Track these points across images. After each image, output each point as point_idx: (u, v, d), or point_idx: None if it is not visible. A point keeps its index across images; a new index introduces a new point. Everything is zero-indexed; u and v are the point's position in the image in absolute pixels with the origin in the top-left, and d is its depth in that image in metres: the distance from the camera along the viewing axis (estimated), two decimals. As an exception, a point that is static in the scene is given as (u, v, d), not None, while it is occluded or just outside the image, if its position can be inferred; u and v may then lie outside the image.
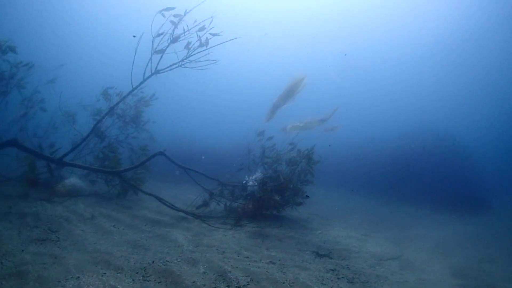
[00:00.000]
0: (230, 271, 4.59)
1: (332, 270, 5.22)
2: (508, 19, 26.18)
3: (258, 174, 9.15)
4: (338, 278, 4.92)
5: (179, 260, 4.87)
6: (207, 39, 7.76)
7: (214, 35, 7.79)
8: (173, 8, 7.54)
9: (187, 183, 8.47)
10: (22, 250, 4.52)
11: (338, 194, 15.95)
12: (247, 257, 5.37)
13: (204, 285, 4.07)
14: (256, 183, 8.70)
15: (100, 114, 9.61)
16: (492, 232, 10.10)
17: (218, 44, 7.78)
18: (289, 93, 7.87)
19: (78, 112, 10.45)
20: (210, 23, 7.79)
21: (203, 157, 15.41)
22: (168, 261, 4.76)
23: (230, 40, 7.80)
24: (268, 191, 8.06)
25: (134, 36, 7.39)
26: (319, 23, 34.72)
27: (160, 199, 7.88)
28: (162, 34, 7.68)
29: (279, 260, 5.43)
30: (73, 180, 8.85)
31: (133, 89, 8.05)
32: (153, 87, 8.92)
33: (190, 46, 7.85)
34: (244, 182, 9.16)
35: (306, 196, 8.90)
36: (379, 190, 16.00)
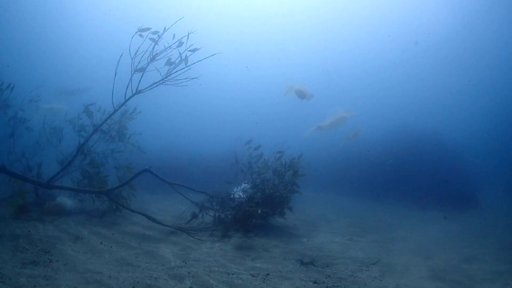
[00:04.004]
0: (215, 285, 4.79)
1: (314, 280, 5.40)
2: (491, 18, 26.62)
3: (245, 185, 9.32)
4: (319, 287, 5.12)
5: (166, 276, 5.06)
6: (186, 56, 7.89)
7: (193, 51, 7.91)
8: (149, 29, 7.67)
9: (176, 194, 8.62)
10: (17, 273, 4.67)
11: (326, 196, 16.13)
12: (232, 270, 5.56)
13: (189, 301, 4.26)
14: (244, 195, 8.88)
15: (85, 130, 9.71)
16: (478, 230, 10.26)
17: (199, 61, 7.92)
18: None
19: (64, 127, 10.50)
20: (188, 39, 7.89)
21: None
22: (156, 278, 4.94)
23: (211, 56, 7.96)
24: (254, 204, 8.23)
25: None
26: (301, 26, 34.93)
27: (147, 217, 8.02)
28: (141, 52, 7.76)
29: (263, 271, 5.63)
30: (62, 198, 8.98)
31: (114, 111, 8.16)
32: (139, 97, 8.98)
33: (171, 63, 7.97)
34: (232, 192, 9.33)
35: (288, 208, 9.06)
36: (368, 191, 16.18)
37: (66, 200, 8.95)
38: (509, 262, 6.95)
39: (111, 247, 6.53)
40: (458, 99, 36.32)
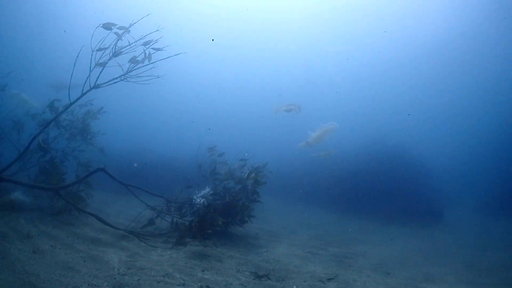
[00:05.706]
0: (157, 297, 4.53)
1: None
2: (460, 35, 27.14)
3: (206, 190, 9.04)
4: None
5: (106, 284, 4.78)
6: (150, 54, 7.63)
7: (156, 50, 7.67)
8: (115, 25, 7.37)
9: (139, 195, 8.32)
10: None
11: (295, 206, 15.96)
12: (179, 281, 5.28)
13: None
14: (204, 201, 8.59)
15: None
16: (441, 247, 10.21)
17: (163, 59, 7.67)
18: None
19: (26, 122, 10.18)
20: (158, 38, 7.67)
21: (135, 165, 15.29)
22: (94, 285, 4.66)
23: (176, 55, 7.73)
24: (212, 212, 7.98)
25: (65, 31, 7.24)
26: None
27: (98, 218, 7.64)
28: (104, 48, 7.45)
29: (213, 283, 5.36)
30: (17, 194, 8.63)
31: (69, 105, 7.83)
32: (107, 98, 8.71)
33: (134, 60, 7.69)
34: (193, 198, 9.04)
35: (249, 217, 8.83)
36: (336, 203, 16.06)
37: (20, 196, 8.60)
38: (469, 283, 6.82)
39: (57, 249, 6.21)
40: (427, 116, 36.88)
